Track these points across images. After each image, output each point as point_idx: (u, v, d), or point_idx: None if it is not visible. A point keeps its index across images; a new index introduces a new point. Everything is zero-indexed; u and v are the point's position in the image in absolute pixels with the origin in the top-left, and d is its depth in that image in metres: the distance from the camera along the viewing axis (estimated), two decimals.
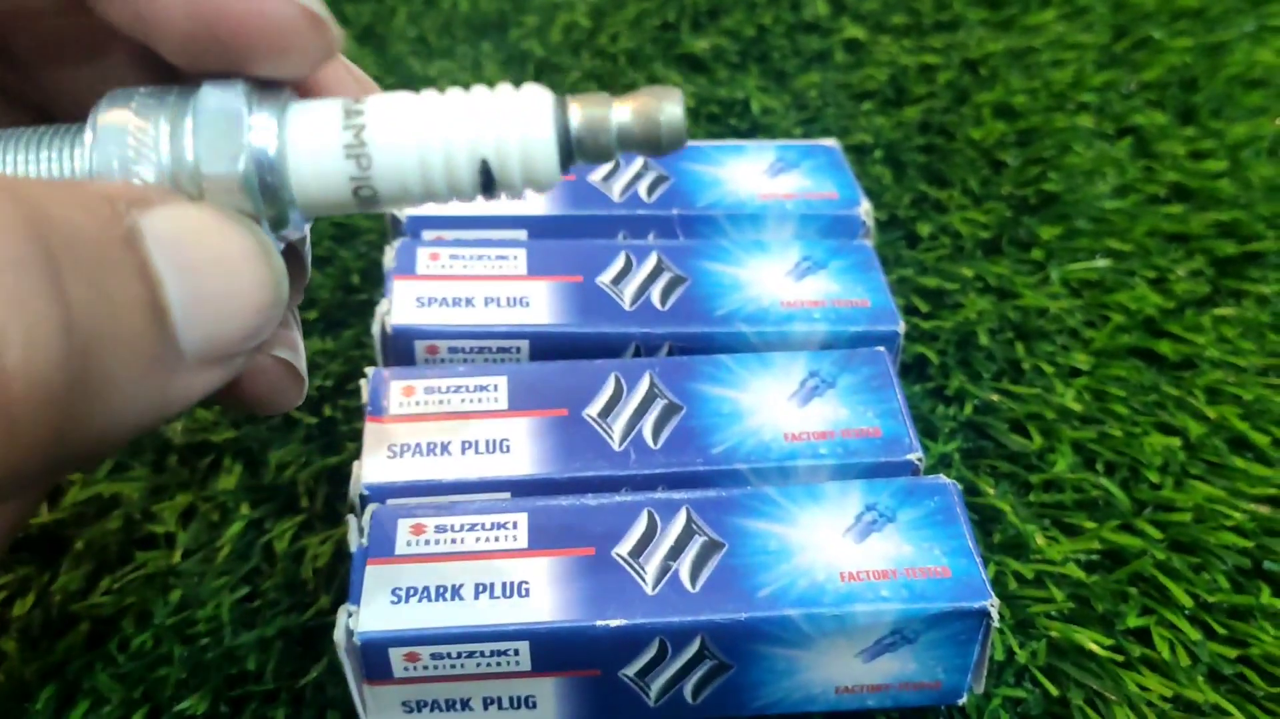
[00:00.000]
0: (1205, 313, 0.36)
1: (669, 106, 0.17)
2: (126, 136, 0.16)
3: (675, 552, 0.25)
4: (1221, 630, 0.29)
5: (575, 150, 0.17)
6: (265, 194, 0.17)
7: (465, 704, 0.25)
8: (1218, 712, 0.27)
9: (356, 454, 0.27)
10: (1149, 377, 0.34)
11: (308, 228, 0.20)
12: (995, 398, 0.34)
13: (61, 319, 0.13)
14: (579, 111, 0.17)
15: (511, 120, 0.17)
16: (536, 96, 0.17)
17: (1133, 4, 0.49)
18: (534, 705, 0.25)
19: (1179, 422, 0.33)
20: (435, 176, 0.17)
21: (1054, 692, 0.27)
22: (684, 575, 0.24)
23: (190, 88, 0.17)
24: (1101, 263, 0.37)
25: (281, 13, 0.16)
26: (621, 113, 0.17)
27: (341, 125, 0.17)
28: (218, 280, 0.16)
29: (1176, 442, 0.32)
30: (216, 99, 0.16)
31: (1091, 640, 0.28)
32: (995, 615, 0.24)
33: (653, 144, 0.17)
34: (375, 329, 0.29)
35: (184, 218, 0.15)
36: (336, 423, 0.32)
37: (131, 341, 0.14)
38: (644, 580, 0.24)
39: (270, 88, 0.17)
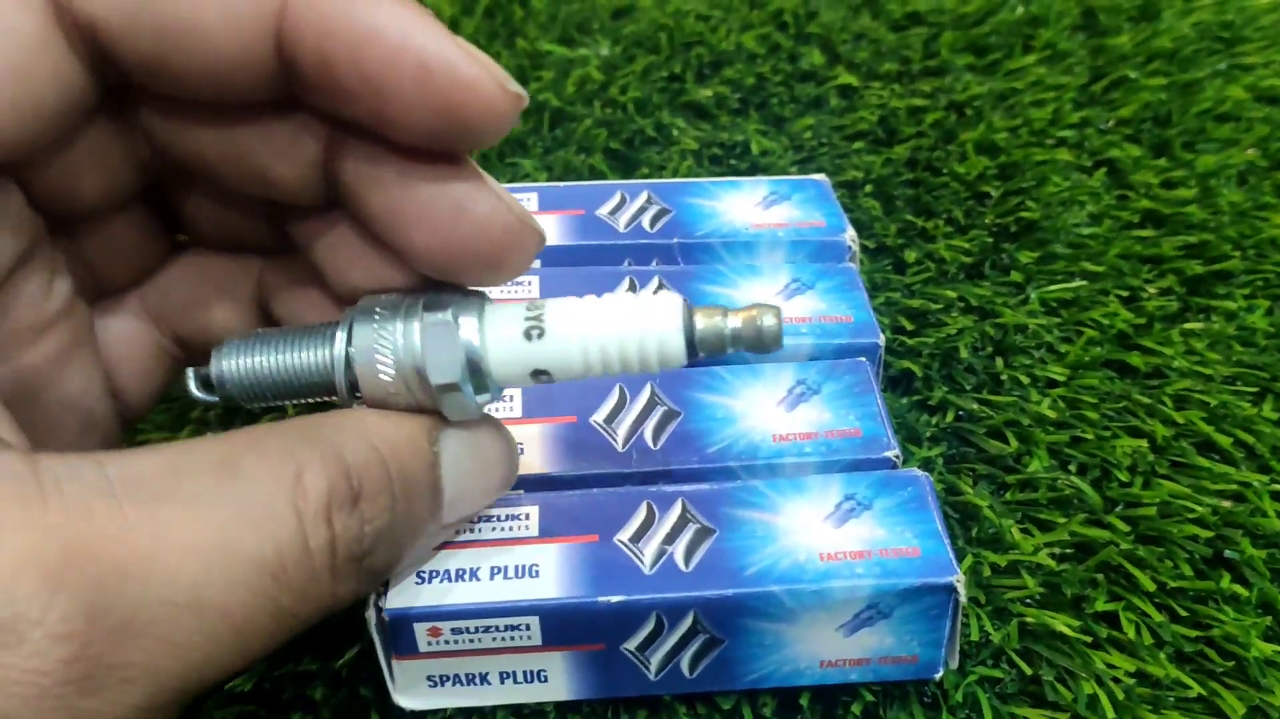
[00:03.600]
0: (1175, 327, 0.39)
1: (768, 319, 0.22)
2: (374, 348, 0.21)
3: (671, 537, 0.28)
4: (1184, 613, 0.31)
5: (699, 347, 0.22)
6: (474, 378, 0.22)
7: (484, 678, 0.28)
8: (1180, 686, 0.29)
9: None
10: (1120, 386, 0.37)
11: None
12: (975, 407, 0.36)
13: (389, 523, 0.20)
14: (701, 320, 0.22)
15: (651, 326, 0.22)
16: (669, 306, 0.22)
17: (1110, 47, 0.52)
18: (545, 679, 0.28)
19: (1148, 426, 0.35)
20: (594, 365, 0.23)
21: (1027, 671, 0.30)
22: (678, 557, 0.27)
23: (412, 300, 0.22)
24: (1077, 282, 0.40)
25: (524, 246, 0.21)
26: (734, 321, 0.22)
27: (523, 325, 0.22)
28: (479, 480, 0.22)
29: (1145, 444, 0.35)
30: (434, 319, 0.21)
31: (1062, 623, 0.30)
32: (962, 591, 0.27)
33: (755, 344, 0.22)
34: None
35: (465, 439, 0.22)
36: None
37: (417, 527, 0.21)
38: (642, 562, 0.27)
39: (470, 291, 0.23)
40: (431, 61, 0.18)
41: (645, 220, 0.37)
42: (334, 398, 0.22)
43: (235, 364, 0.22)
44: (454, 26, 0.56)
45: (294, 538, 0.18)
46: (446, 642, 0.27)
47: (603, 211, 0.38)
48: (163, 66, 0.18)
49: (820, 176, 0.40)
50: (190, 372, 0.22)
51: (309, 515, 0.18)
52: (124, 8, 0.18)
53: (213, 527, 0.17)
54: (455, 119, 0.19)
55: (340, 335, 0.21)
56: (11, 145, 0.18)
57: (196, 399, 0.22)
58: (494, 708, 0.28)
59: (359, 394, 0.22)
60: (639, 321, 0.22)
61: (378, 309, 0.22)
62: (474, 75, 0.19)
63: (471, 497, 0.22)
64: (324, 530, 0.18)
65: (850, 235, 0.37)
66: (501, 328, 0.22)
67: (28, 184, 0.20)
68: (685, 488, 0.29)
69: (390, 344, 0.21)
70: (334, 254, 0.23)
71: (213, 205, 0.24)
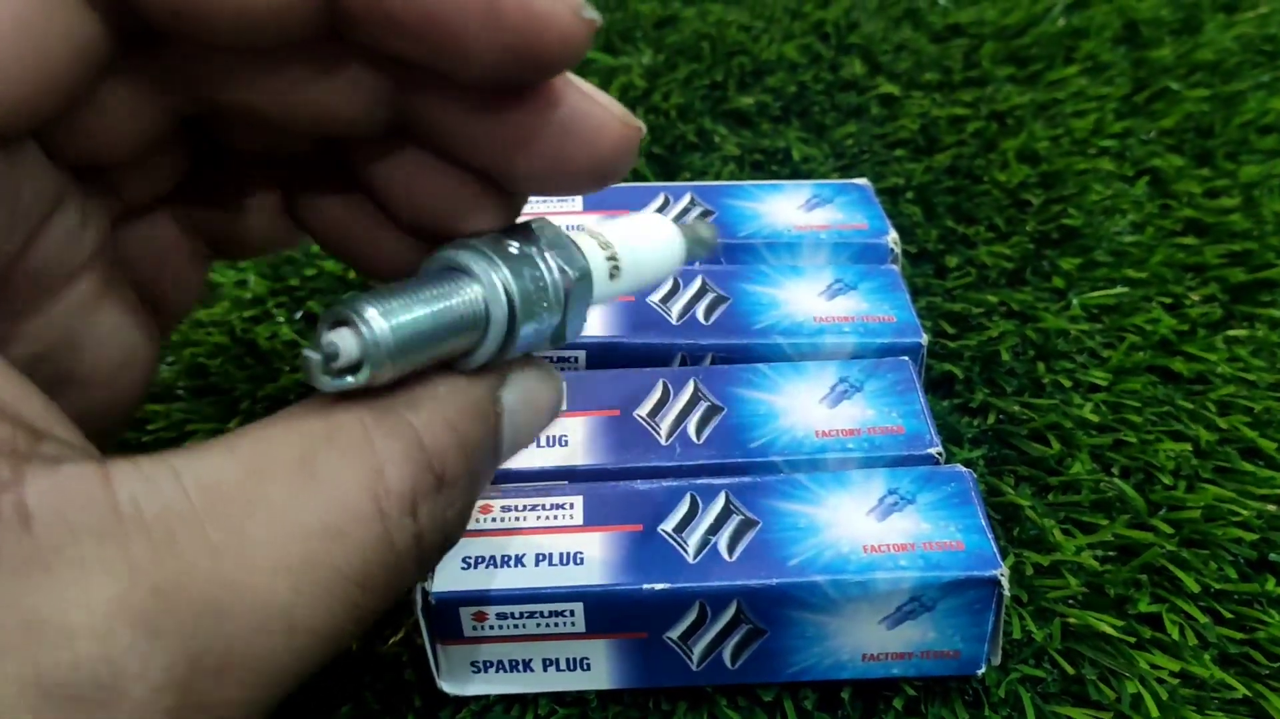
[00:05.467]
0: (1218, 334, 0.39)
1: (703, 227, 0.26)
2: (533, 300, 0.19)
3: (714, 528, 0.28)
4: (1229, 615, 0.31)
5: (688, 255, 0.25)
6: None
7: (527, 665, 0.28)
8: (1224, 687, 0.29)
9: None
10: (1163, 391, 0.37)
11: None
12: (1017, 409, 0.36)
13: (468, 500, 0.20)
14: (685, 232, 0.25)
15: (668, 246, 0.24)
16: (671, 228, 0.24)
17: (1152, 59, 0.52)
18: (588, 667, 0.28)
19: (1191, 431, 0.35)
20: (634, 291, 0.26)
21: (1070, 670, 0.29)
22: (722, 547, 0.27)
23: (500, 238, 0.20)
24: (1119, 289, 0.40)
25: (631, 149, 0.20)
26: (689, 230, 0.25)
27: (606, 267, 0.22)
28: (532, 426, 0.21)
29: (1188, 448, 0.35)
30: (577, 270, 0.20)
31: (1106, 624, 0.30)
32: (1006, 585, 0.27)
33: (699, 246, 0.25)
34: None
35: (521, 388, 0.21)
36: None
37: (482, 488, 0.20)
38: (686, 551, 0.27)
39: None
40: (510, 13, 0.17)
41: (688, 221, 0.38)
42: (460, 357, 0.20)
43: (389, 327, 0.17)
44: None
45: (380, 541, 0.17)
46: (491, 627, 0.27)
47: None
48: (190, 13, 0.17)
49: (862, 180, 0.40)
50: (312, 356, 0.17)
51: (393, 515, 0.17)
52: None
53: (298, 542, 0.16)
54: (529, 55, 0.17)
55: (498, 282, 0.19)
56: (23, 109, 0.17)
57: (328, 388, 0.17)
58: (536, 695, 0.29)
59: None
60: (659, 240, 0.23)
61: (494, 251, 0.19)
62: (548, 6, 0.17)
63: (523, 442, 0.21)
64: (410, 526, 0.17)
65: (892, 238, 0.37)
66: (598, 273, 0.21)
67: (48, 142, 0.19)
68: (729, 480, 0.29)
69: (547, 295, 0.19)
70: (398, 181, 0.21)
71: (253, 133, 0.22)
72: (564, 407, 0.24)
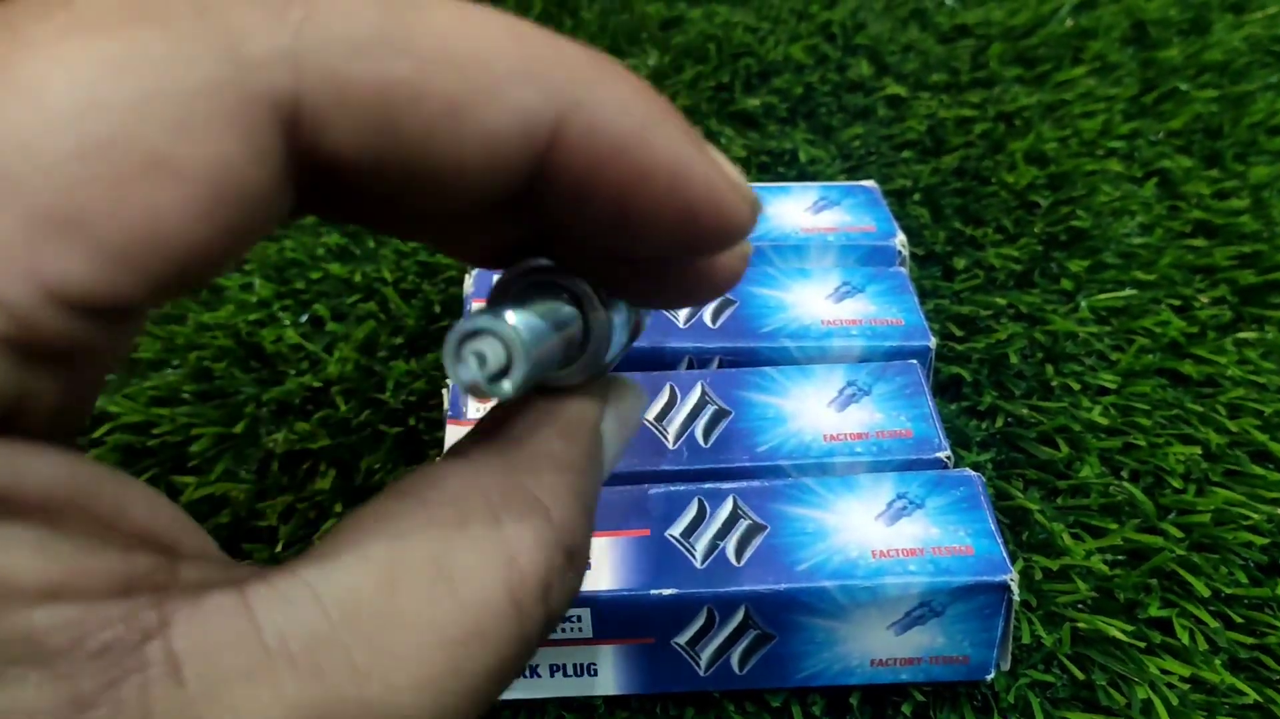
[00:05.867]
0: (1228, 337, 0.39)
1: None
2: (610, 327, 0.20)
3: (722, 533, 0.28)
4: (1239, 620, 0.30)
5: None
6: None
7: (534, 671, 0.28)
8: (1234, 693, 0.29)
9: (438, 459, 0.30)
10: (1173, 394, 0.37)
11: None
12: (1025, 413, 0.36)
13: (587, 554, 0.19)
14: None
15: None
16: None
17: (1160, 59, 0.52)
18: (595, 673, 0.28)
19: (1201, 434, 0.35)
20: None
21: (1079, 675, 0.29)
22: (730, 552, 0.27)
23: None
24: (1128, 291, 0.40)
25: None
26: None
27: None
28: (623, 443, 0.21)
29: (1198, 451, 0.35)
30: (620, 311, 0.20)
31: (1116, 629, 0.30)
32: (1015, 590, 0.26)
33: None
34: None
35: (617, 411, 0.20)
36: (420, 433, 0.35)
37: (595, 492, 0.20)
38: (694, 557, 0.27)
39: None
40: (697, 203, 0.16)
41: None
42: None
43: (522, 323, 0.17)
44: None
45: (517, 634, 0.17)
46: None
47: None
48: (393, 193, 0.16)
49: (870, 183, 0.40)
50: (467, 371, 0.16)
51: (527, 606, 0.17)
52: (370, 145, 0.15)
53: (442, 653, 0.16)
54: (699, 246, 0.17)
55: (596, 309, 0.19)
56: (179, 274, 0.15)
57: (488, 393, 0.17)
58: (544, 700, 0.29)
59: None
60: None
61: (558, 281, 0.19)
62: (734, 214, 0.17)
63: (616, 461, 0.21)
64: (542, 611, 0.17)
65: (900, 240, 0.37)
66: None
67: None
68: (736, 484, 0.29)
69: (616, 325, 0.20)
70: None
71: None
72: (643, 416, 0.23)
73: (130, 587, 0.14)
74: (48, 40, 0.13)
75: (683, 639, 0.27)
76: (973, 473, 0.29)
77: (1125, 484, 0.34)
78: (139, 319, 0.18)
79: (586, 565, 0.20)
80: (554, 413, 0.19)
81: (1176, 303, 0.40)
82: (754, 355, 0.33)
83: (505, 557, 0.17)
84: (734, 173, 0.17)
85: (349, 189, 0.16)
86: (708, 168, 0.16)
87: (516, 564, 0.17)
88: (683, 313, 0.34)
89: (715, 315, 0.34)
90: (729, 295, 0.34)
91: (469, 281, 0.35)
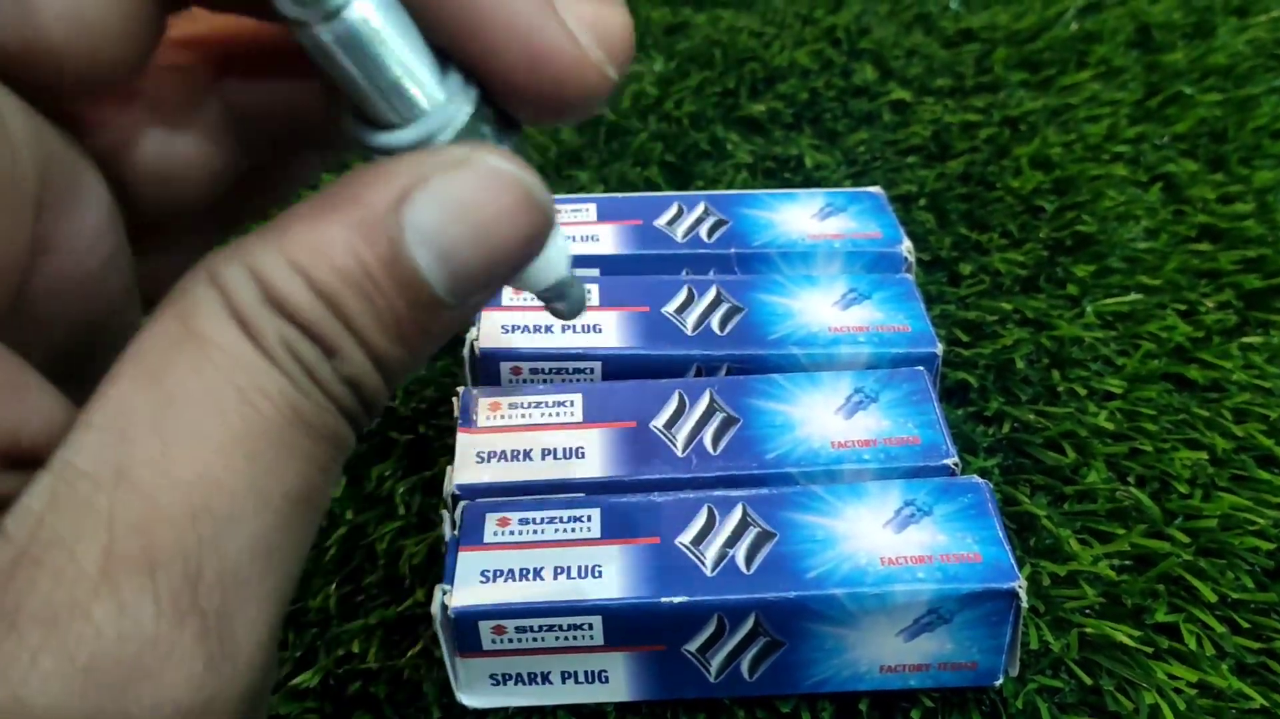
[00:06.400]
0: (1233, 341, 0.39)
1: None
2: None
3: (732, 540, 0.28)
4: (1246, 625, 0.31)
5: None
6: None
7: (545, 678, 0.28)
8: (1242, 697, 0.29)
9: (448, 467, 0.30)
10: (1179, 399, 0.37)
11: None
12: (1032, 418, 0.36)
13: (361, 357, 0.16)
14: None
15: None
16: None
17: (1165, 63, 0.52)
18: (606, 680, 0.28)
19: (1208, 439, 0.35)
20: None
21: (1087, 681, 0.29)
22: (740, 560, 0.27)
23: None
24: (1134, 296, 0.40)
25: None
26: None
27: None
28: (479, 250, 0.16)
29: (1205, 457, 0.35)
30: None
31: (1123, 634, 0.30)
32: (1024, 596, 0.27)
33: None
34: (465, 352, 0.33)
35: (443, 197, 0.16)
36: (430, 440, 0.36)
37: (402, 331, 0.16)
38: (704, 564, 0.27)
39: None
40: (547, 55, 0.16)
41: (703, 231, 0.38)
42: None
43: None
44: None
45: (285, 384, 0.16)
46: (510, 640, 0.27)
47: (660, 222, 0.38)
48: None
49: (876, 189, 0.40)
50: None
51: (283, 361, 0.16)
52: None
53: (229, 413, 0.15)
54: (557, 104, 0.17)
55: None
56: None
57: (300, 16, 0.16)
58: (555, 708, 0.29)
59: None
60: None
61: None
62: (589, 75, 0.17)
63: (474, 268, 0.17)
64: (295, 367, 0.16)
65: (906, 246, 0.37)
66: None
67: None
68: (745, 492, 0.29)
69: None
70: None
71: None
72: (545, 218, 0.17)
73: None
74: None
75: (693, 646, 0.27)
76: (980, 480, 0.29)
77: (1132, 489, 0.34)
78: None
79: (369, 368, 0.16)
80: (316, 197, 0.16)
81: (1182, 307, 0.40)
82: (762, 363, 0.33)
83: (236, 315, 0.15)
84: (585, 38, 0.17)
85: None
86: (558, 35, 0.16)
87: (247, 322, 0.15)
88: (690, 320, 0.34)
89: (723, 323, 0.34)
90: (736, 302, 0.35)
91: None
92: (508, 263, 0.17)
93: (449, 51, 0.17)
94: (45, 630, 0.14)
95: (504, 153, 0.16)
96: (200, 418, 0.15)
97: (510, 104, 0.17)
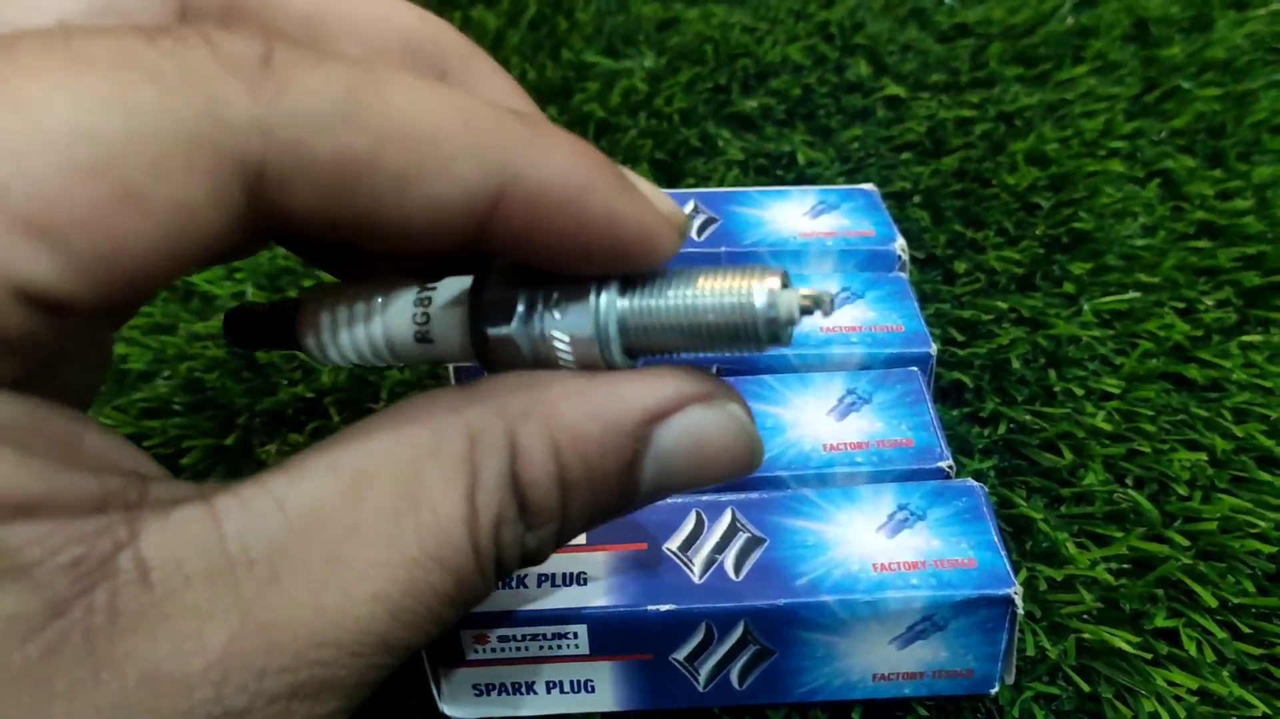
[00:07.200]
0: (1233, 340, 0.38)
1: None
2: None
3: (721, 546, 0.27)
4: (1247, 630, 0.30)
5: None
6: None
7: (530, 688, 0.27)
8: (1243, 705, 0.28)
9: None
10: (1177, 399, 0.36)
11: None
12: (1028, 419, 0.35)
13: (555, 530, 0.18)
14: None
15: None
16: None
17: (1162, 58, 0.52)
18: (592, 689, 0.27)
19: (1207, 440, 0.35)
20: None
21: (1085, 688, 0.29)
22: (729, 566, 0.27)
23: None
24: (1131, 294, 0.39)
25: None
26: None
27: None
28: (692, 474, 0.19)
29: (1204, 458, 0.34)
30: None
31: (1121, 640, 0.29)
32: (1019, 603, 0.26)
33: None
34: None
35: (685, 430, 0.18)
36: None
37: (592, 521, 0.19)
38: (692, 571, 0.27)
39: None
40: (629, 241, 0.17)
41: (693, 229, 0.37)
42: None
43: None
44: (499, 39, 0.56)
45: (471, 563, 0.17)
46: (493, 649, 0.26)
47: None
48: (344, 243, 0.17)
49: (869, 186, 0.39)
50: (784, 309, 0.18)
51: (482, 539, 0.17)
52: (325, 207, 0.16)
53: (402, 570, 0.16)
54: (634, 267, 0.18)
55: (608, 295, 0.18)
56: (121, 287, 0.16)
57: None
58: (540, 718, 0.28)
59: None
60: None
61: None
62: (661, 243, 0.18)
63: (680, 489, 0.19)
64: (491, 548, 0.17)
65: (900, 245, 0.36)
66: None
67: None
68: (735, 496, 0.29)
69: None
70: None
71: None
72: (756, 463, 0.19)
73: (103, 504, 0.15)
74: (48, 69, 0.14)
75: (681, 655, 0.27)
76: (975, 483, 0.29)
77: (1130, 491, 0.33)
78: (98, 327, 0.19)
79: (551, 542, 0.18)
80: (586, 382, 0.18)
81: (1180, 306, 0.39)
82: (752, 363, 0.33)
83: (469, 488, 0.17)
84: (662, 203, 0.18)
85: (305, 236, 0.17)
86: (637, 209, 0.18)
87: (473, 499, 0.17)
88: None
89: None
90: None
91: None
92: (703, 486, 0.19)
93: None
94: (142, 686, 0.14)
95: (741, 399, 0.19)
96: (371, 566, 0.16)
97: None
